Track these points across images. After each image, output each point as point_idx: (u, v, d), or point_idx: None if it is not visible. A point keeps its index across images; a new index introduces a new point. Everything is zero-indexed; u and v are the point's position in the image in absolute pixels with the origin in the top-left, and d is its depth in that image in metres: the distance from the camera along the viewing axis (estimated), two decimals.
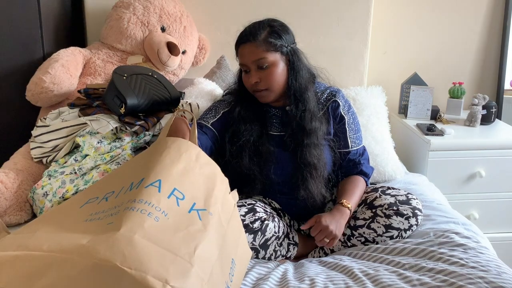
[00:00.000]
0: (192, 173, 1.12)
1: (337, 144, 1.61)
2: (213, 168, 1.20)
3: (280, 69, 1.49)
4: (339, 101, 1.62)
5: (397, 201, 1.48)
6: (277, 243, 1.46)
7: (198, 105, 1.78)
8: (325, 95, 1.62)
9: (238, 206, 1.39)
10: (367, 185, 1.64)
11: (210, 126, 1.56)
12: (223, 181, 1.19)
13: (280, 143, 1.56)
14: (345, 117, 1.62)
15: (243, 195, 1.55)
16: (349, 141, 1.62)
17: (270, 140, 1.55)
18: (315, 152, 1.51)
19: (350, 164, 1.63)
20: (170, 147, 1.16)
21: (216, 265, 0.98)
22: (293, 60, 1.51)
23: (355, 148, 1.63)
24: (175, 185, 1.06)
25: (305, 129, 1.51)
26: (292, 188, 1.53)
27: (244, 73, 1.53)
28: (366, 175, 1.63)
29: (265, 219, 1.43)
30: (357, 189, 1.57)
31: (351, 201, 1.52)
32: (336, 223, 1.44)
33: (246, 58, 1.48)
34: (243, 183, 1.53)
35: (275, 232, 1.44)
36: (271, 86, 1.49)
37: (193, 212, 1.03)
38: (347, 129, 1.62)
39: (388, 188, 1.56)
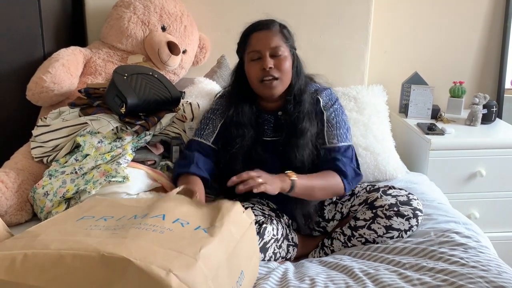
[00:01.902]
0: (195, 212, 1.16)
1: (319, 142, 1.58)
2: (218, 201, 1.23)
3: (289, 64, 1.53)
4: (320, 97, 1.61)
5: (398, 202, 1.47)
6: (276, 245, 1.45)
7: (198, 105, 1.78)
8: (312, 95, 1.62)
9: None
10: (344, 184, 1.53)
11: (212, 145, 1.59)
12: (233, 204, 1.21)
13: (272, 148, 1.57)
14: (325, 113, 1.60)
15: (240, 197, 1.54)
16: (325, 136, 1.58)
17: (262, 146, 1.56)
18: (303, 153, 1.51)
19: (325, 159, 1.56)
20: (173, 199, 1.21)
21: (223, 268, 0.99)
22: (297, 62, 1.57)
23: (333, 145, 1.58)
24: (178, 216, 1.10)
25: (297, 130, 1.52)
26: None
27: (253, 62, 1.51)
28: (342, 174, 1.53)
29: (263, 222, 1.43)
30: (316, 176, 1.50)
31: (299, 177, 1.44)
32: (269, 176, 1.38)
33: (262, 43, 1.49)
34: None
35: (273, 235, 1.44)
36: (282, 75, 1.51)
37: (199, 230, 1.06)
38: (325, 125, 1.59)
39: (390, 188, 1.54)
